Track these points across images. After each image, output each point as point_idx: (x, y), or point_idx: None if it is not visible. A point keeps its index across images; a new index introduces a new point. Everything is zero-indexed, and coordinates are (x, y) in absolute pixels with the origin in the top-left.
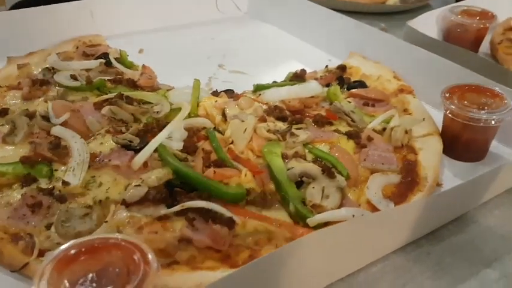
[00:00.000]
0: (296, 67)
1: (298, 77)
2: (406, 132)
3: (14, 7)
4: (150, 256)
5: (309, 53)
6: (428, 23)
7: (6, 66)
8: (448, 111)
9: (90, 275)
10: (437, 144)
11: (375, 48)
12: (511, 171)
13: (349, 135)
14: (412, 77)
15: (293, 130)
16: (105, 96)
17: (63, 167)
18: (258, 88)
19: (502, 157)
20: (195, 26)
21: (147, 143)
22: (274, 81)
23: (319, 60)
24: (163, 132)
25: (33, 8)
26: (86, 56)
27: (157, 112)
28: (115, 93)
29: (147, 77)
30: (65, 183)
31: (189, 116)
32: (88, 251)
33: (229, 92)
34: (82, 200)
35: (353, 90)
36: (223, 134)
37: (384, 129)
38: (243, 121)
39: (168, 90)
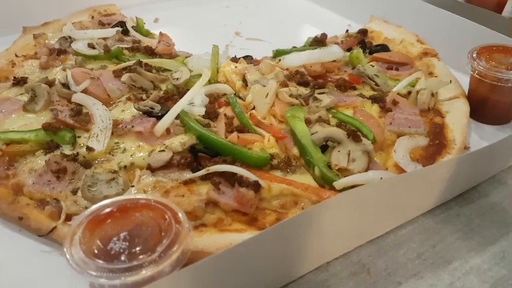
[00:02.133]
0: (314, 33)
1: (318, 42)
2: (433, 95)
3: None
4: (181, 215)
5: (328, 19)
6: None
7: (22, 36)
8: (475, 72)
9: (123, 234)
10: (464, 106)
11: (397, 12)
12: None
13: (374, 100)
14: (436, 41)
15: (316, 95)
16: (124, 64)
17: (86, 134)
18: (278, 53)
19: None
20: None
21: (168, 110)
22: (294, 47)
23: (339, 26)
24: (184, 98)
25: None
26: (102, 25)
27: (177, 79)
28: (134, 61)
29: (165, 44)
30: (90, 149)
31: (209, 82)
32: (119, 211)
33: (249, 58)
34: (107, 166)
35: (376, 54)
36: (244, 100)
37: (409, 92)
38: (264, 86)
39: (186, 57)
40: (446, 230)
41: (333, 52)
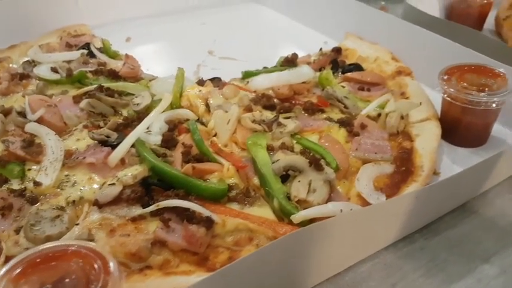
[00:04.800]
0: (290, 51)
1: (289, 62)
2: (402, 117)
3: None
4: (111, 265)
5: (304, 35)
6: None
7: None
8: (446, 95)
9: (47, 286)
10: (435, 129)
11: (373, 29)
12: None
13: (341, 123)
14: (411, 58)
15: (280, 120)
16: (84, 89)
17: (36, 166)
18: (246, 75)
19: (505, 141)
20: (185, 11)
21: (123, 135)
22: (265, 67)
23: (314, 43)
24: (140, 126)
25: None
26: (69, 47)
27: (138, 104)
28: (95, 86)
29: (129, 67)
30: (37, 183)
31: (172, 107)
32: (46, 261)
33: (216, 80)
34: (54, 201)
35: (347, 74)
36: (206, 126)
37: (380, 115)
38: (226, 111)
39: (150, 80)
40: (409, 266)
41: (303, 73)
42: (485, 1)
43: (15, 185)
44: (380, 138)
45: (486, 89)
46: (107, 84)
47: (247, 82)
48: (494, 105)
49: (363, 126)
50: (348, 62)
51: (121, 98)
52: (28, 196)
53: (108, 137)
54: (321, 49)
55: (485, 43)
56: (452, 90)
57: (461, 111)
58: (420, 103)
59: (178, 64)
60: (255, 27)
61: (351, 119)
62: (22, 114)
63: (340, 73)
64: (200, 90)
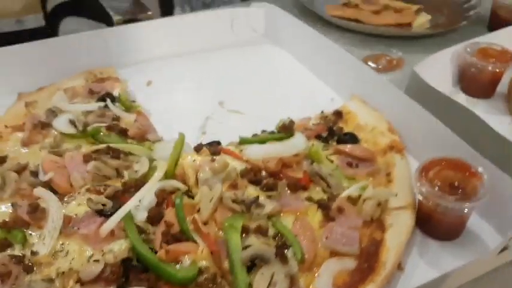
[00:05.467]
0: (297, 106)
1: (285, 129)
2: (380, 204)
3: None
4: None
5: (314, 88)
6: (443, 62)
7: (16, 104)
8: (418, 194)
9: None
10: (407, 221)
11: (376, 95)
12: (481, 265)
13: (320, 205)
14: (408, 132)
15: (260, 200)
16: (94, 147)
17: (37, 233)
18: (242, 141)
19: (480, 236)
20: (209, 50)
21: (119, 207)
22: (263, 131)
23: (322, 97)
24: (131, 201)
25: (44, 40)
26: (92, 93)
27: (136, 171)
28: (104, 145)
29: (138, 127)
30: (34, 253)
31: (166, 176)
32: None
33: (214, 146)
34: (47, 271)
35: (339, 146)
36: (194, 198)
37: (359, 196)
38: (211, 189)
39: (154, 142)
40: None
41: (295, 146)
42: (496, 70)
43: (17, 250)
44: (353, 227)
45: (459, 190)
46: (115, 144)
47: (241, 150)
48: (465, 210)
49: (340, 210)
50: (346, 128)
51: (126, 157)
52: (25, 264)
53: (104, 205)
54: (322, 112)
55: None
56: (424, 190)
57: (434, 208)
58: (396, 194)
59: (190, 115)
60: (269, 74)
61: (330, 201)
62: (35, 173)
63: (335, 141)
64: (194, 160)
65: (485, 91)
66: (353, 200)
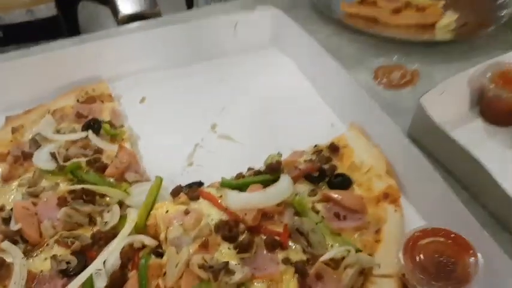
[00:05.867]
0: (293, 133)
1: (272, 170)
2: (362, 272)
3: None
4: None
5: (316, 110)
6: (459, 85)
7: (4, 128)
8: (401, 273)
9: None
10: None
11: (377, 128)
12: None
13: (297, 269)
14: (408, 178)
15: (231, 266)
16: (70, 188)
17: None
18: (224, 184)
19: None
20: (209, 59)
21: (84, 266)
22: (250, 168)
23: (322, 122)
24: (93, 264)
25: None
26: (79, 117)
27: (105, 223)
28: (79, 186)
29: (116, 166)
30: None
31: (136, 227)
32: None
33: (194, 189)
34: None
35: (327, 192)
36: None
37: (343, 258)
38: (178, 251)
39: (132, 183)
40: None
41: (279, 194)
42: None
43: None
44: None
45: (446, 268)
46: (90, 186)
47: (221, 196)
48: None
49: (319, 277)
50: (340, 166)
51: (103, 199)
52: None
53: (68, 263)
54: (316, 146)
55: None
56: (408, 269)
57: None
58: (379, 266)
59: (180, 140)
60: (270, 88)
61: (310, 263)
62: (7, 220)
63: (326, 183)
64: (167, 211)
65: (504, 119)
66: (335, 262)
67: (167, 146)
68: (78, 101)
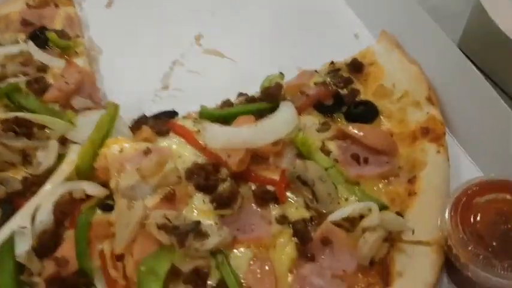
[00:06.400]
0: (305, 42)
1: (269, 97)
2: (387, 239)
3: None
4: None
5: (336, 16)
6: None
7: None
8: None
9: None
10: (426, 269)
11: (418, 41)
12: None
13: (296, 231)
14: (459, 106)
15: (203, 226)
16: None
17: None
18: (204, 114)
19: None
20: None
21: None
22: (240, 93)
23: (343, 31)
24: (16, 218)
25: None
26: (25, 25)
27: (39, 164)
28: (11, 115)
29: (60, 88)
30: None
31: (79, 170)
32: None
33: (162, 120)
34: None
35: (344, 127)
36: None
37: (362, 216)
38: (131, 207)
39: (80, 111)
40: None
41: (276, 127)
42: None
43: None
44: (339, 275)
45: None
46: (25, 114)
47: (199, 131)
48: None
49: (326, 242)
50: (364, 91)
51: (42, 131)
52: None
53: None
54: (332, 62)
55: None
56: (454, 238)
57: (466, 266)
58: (413, 231)
59: (154, 56)
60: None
61: (314, 223)
62: None
63: (342, 114)
64: (121, 150)
65: None
66: (350, 222)
67: (137, 63)
68: (27, 5)
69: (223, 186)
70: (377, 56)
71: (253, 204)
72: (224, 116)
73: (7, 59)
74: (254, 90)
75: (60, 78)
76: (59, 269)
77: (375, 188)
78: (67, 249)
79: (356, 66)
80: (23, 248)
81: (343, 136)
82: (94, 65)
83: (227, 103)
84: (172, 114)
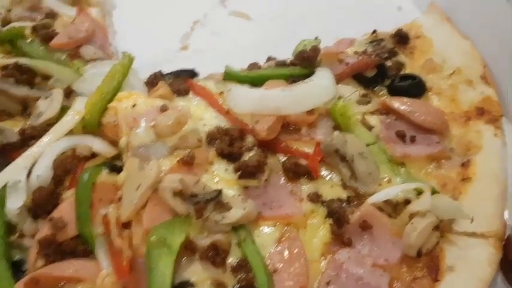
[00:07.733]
0: (342, 11)
1: (304, 61)
2: (438, 227)
3: None
4: None
5: None
6: None
7: None
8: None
9: None
10: (482, 264)
11: (471, 14)
12: None
13: (331, 212)
14: None
15: (225, 196)
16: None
17: None
18: (228, 76)
19: None
20: None
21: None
22: (269, 58)
23: (387, 0)
24: (10, 170)
25: None
26: None
27: (39, 114)
28: (12, 60)
29: (70, 35)
30: None
31: (85, 124)
32: None
33: (181, 79)
34: None
35: (390, 99)
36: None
37: (408, 202)
38: (146, 164)
39: (89, 61)
40: None
41: (312, 94)
42: None
43: None
44: (381, 264)
45: None
46: (26, 60)
47: (222, 92)
48: None
49: (365, 227)
50: (409, 65)
51: (45, 82)
52: None
53: None
54: (375, 32)
55: None
56: None
57: None
58: (472, 219)
59: (170, 16)
60: None
61: (352, 204)
62: None
63: (385, 88)
64: (134, 105)
65: None
66: (394, 207)
67: (154, 21)
68: None
69: (249, 155)
70: (424, 30)
71: (282, 178)
72: (252, 78)
73: (14, 2)
74: (285, 56)
75: (70, 25)
76: (54, 232)
77: (422, 171)
78: (65, 210)
79: (401, 37)
80: (15, 204)
81: (387, 111)
82: (107, 18)
83: (255, 66)
84: (193, 73)
